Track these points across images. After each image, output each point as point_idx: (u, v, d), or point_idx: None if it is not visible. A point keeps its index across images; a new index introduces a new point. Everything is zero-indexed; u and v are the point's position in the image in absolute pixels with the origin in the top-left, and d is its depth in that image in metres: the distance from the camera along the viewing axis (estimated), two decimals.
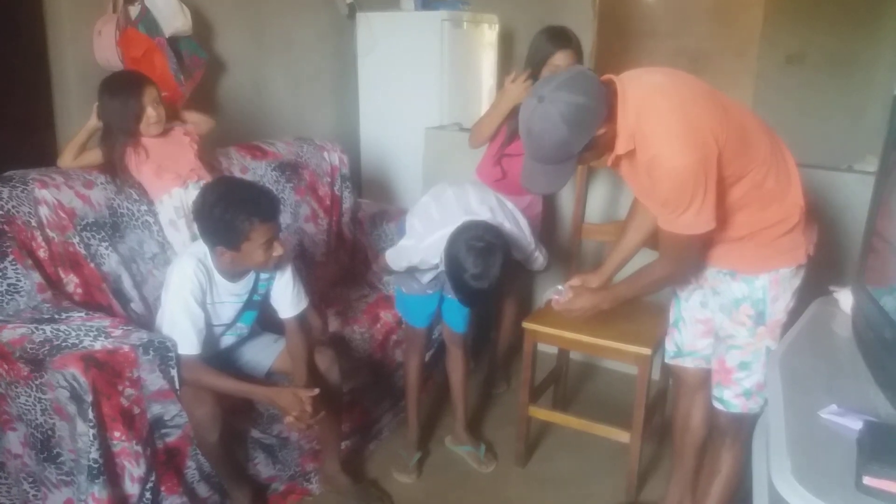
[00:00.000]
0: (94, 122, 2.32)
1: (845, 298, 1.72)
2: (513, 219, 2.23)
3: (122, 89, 2.29)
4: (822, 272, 1.89)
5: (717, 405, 1.94)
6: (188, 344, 1.99)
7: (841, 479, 1.07)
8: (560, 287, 2.12)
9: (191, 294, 1.99)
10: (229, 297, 2.11)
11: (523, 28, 4.71)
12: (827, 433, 1.21)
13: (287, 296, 2.19)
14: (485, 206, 2.17)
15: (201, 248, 2.04)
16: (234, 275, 2.08)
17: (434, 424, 2.89)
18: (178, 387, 1.95)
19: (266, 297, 2.21)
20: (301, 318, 2.24)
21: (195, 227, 2.24)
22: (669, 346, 2.11)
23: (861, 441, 1.12)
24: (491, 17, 4.06)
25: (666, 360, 2.14)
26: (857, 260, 1.63)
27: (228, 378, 2.04)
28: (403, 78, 3.77)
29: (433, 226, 2.14)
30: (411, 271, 2.33)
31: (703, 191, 1.58)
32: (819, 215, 1.92)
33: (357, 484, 2.41)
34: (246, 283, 2.12)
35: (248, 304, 2.18)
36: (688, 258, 1.78)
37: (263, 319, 2.33)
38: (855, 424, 1.18)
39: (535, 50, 2.62)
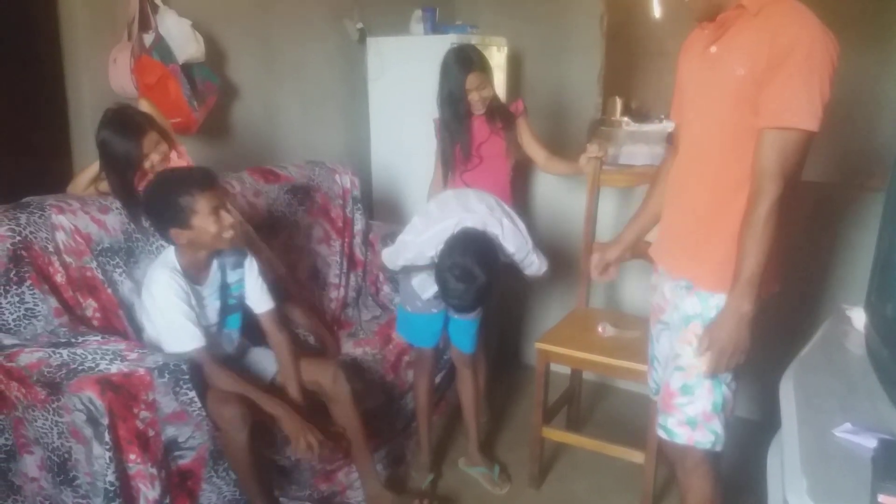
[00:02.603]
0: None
1: (858, 316, 1.72)
2: (510, 217, 2.25)
3: (122, 141, 2.21)
4: (834, 289, 1.88)
5: (660, 433, 1.82)
6: (192, 338, 2.05)
7: (856, 497, 1.07)
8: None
9: (175, 295, 2.05)
10: (204, 298, 2.16)
11: (532, 49, 4.76)
12: (841, 451, 1.21)
13: (256, 291, 2.26)
14: (483, 204, 2.21)
15: (167, 256, 2.12)
16: (198, 271, 2.15)
17: (447, 446, 2.89)
18: (196, 399, 1.95)
19: (242, 300, 2.27)
20: (276, 314, 2.30)
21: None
22: (651, 383, 2.03)
23: (876, 459, 1.11)
24: (500, 39, 4.10)
25: (651, 395, 2.05)
26: (870, 277, 1.62)
27: (241, 378, 2.10)
28: (413, 101, 3.80)
29: (431, 221, 2.19)
30: (406, 271, 2.35)
31: (822, 78, 1.50)
32: (828, 232, 1.87)
33: (401, 495, 2.40)
34: (212, 281, 2.18)
35: (228, 308, 2.24)
36: (792, 166, 1.55)
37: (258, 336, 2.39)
38: (869, 443, 1.18)
39: (447, 78, 2.76)
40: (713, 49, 1.66)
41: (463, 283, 2.03)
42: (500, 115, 2.82)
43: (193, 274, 2.14)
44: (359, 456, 2.35)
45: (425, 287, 2.38)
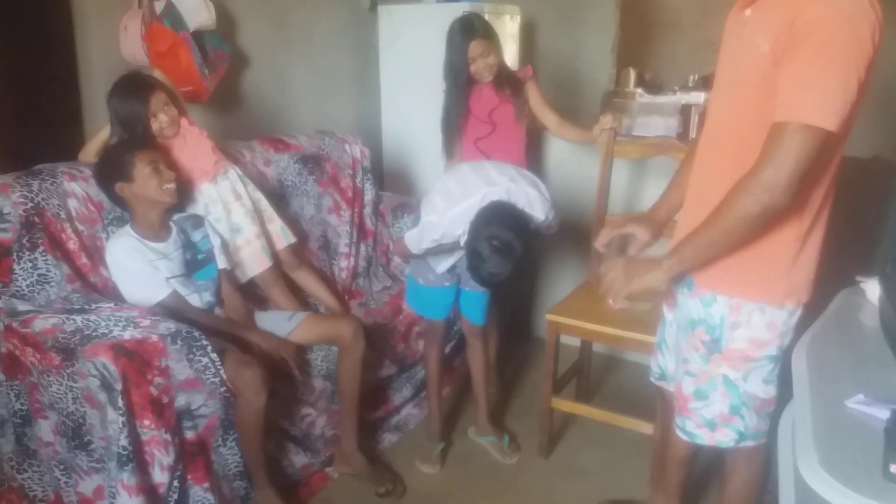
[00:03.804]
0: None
1: (872, 288, 1.70)
2: (533, 183, 2.18)
3: (129, 99, 2.27)
4: (848, 262, 1.86)
5: (680, 435, 1.77)
6: (154, 291, 2.16)
7: (868, 467, 1.07)
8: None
9: (128, 258, 2.15)
10: (169, 253, 2.22)
11: (545, 18, 4.69)
12: (853, 422, 1.20)
13: (218, 249, 2.38)
14: (504, 176, 2.13)
15: (123, 230, 2.24)
16: (156, 233, 2.23)
17: (458, 416, 2.91)
18: (211, 364, 1.98)
19: (212, 254, 2.35)
20: (227, 275, 2.41)
21: (232, 216, 2.46)
22: (654, 367, 1.97)
23: (888, 430, 1.11)
24: (513, 7, 4.04)
25: (651, 380, 2.01)
26: (885, 249, 1.61)
27: (217, 316, 2.30)
28: (425, 70, 3.76)
29: (454, 200, 2.10)
30: (430, 254, 2.31)
31: (846, 68, 1.29)
32: (845, 209, 1.81)
33: (372, 466, 2.45)
34: (174, 239, 2.27)
35: (197, 262, 2.31)
36: (793, 160, 1.32)
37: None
38: (882, 414, 1.17)
39: (450, 48, 2.75)
40: (748, 12, 1.47)
41: (500, 255, 1.96)
42: (509, 81, 2.80)
43: (152, 236, 2.22)
44: (345, 412, 2.41)
45: (440, 260, 2.37)
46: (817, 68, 1.31)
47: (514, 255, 1.98)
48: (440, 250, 2.26)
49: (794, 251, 1.53)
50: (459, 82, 2.76)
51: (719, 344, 1.62)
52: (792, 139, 1.33)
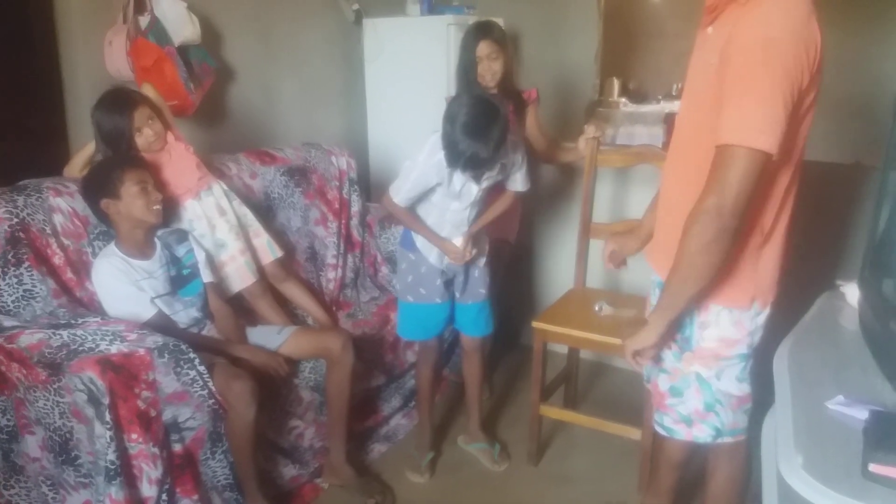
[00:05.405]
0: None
1: (852, 292, 1.73)
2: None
3: (112, 115, 2.28)
4: (828, 266, 1.89)
5: (659, 430, 1.83)
6: (140, 312, 2.15)
7: (847, 467, 1.09)
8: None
9: (114, 279, 2.17)
10: (154, 270, 2.23)
11: (530, 31, 4.73)
12: (834, 423, 1.22)
13: (200, 264, 2.38)
14: None
15: (108, 249, 2.23)
16: (140, 251, 2.24)
17: (446, 425, 2.91)
18: (199, 378, 1.97)
19: (197, 268, 2.36)
20: (216, 288, 2.41)
21: (216, 232, 2.43)
22: (644, 371, 1.94)
23: (867, 430, 1.13)
24: (497, 21, 4.07)
25: (645, 384, 2.00)
26: (864, 253, 1.63)
27: (203, 335, 2.29)
28: (410, 83, 3.79)
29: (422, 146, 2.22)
30: (419, 198, 2.32)
31: (772, 90, 1.32)
32: (826, 211, 1.83)
33: (361, 477, 2.45)
34: (159, 256, 2.27)
35: (183, 278, 2.31)
36: (733, 184, 1.35)
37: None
38: (861, 414, 1.19)
39: (463, 47, 2.74)
40: (709, 30, 1.51)
41: (477, 110, 2.03)
42: (513, 99, 2.77)
43: (137, 253, 2.22)
44: (334, 424, 2.41)
45: (442, 255, 2.37)
46: (739, 92, 1.34)
47: (490, 112, 2.04)
48: (420, 192, 2.29)
49: (755, 258, 1.58)
50: (468, 82, 2.73)
51: (690, 342, 1.66)
52: (729, 164, 1.36)
